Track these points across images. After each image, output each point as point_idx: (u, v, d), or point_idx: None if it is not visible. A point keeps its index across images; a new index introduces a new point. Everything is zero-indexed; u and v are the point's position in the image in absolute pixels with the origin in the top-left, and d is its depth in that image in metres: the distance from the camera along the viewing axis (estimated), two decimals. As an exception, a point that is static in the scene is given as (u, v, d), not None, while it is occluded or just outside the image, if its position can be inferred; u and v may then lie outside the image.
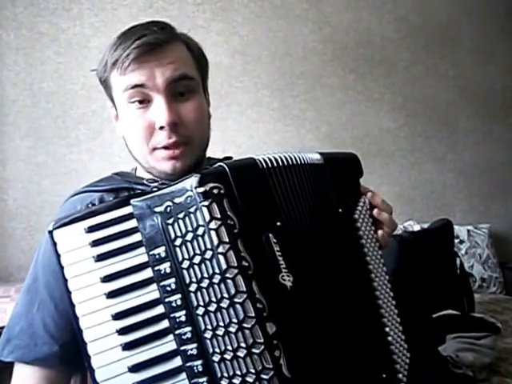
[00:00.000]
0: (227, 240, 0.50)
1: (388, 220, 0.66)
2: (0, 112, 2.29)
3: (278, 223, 0.54)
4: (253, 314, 0.49)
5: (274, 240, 0.53)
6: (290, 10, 2.61)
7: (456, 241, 2.42)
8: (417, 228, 2.48)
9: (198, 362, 0.51)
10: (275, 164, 0.57)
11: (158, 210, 0.54)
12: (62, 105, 2.34)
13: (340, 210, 0.62)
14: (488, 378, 1.31)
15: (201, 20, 2.47)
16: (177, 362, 0.52)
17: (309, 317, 0.53)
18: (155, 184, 0.66)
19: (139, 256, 0.55)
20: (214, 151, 0.82)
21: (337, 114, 2.66)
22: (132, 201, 0.56)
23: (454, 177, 2.80)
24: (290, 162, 0.58)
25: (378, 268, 0.63)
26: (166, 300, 0.53)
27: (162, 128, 0.65)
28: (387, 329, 0.61)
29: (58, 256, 0.55)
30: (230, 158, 0.76)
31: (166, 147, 0.66)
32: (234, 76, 2.51)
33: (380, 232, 0.65)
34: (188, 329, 0.52)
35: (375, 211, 0.65)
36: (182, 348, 0.52)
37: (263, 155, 0.58)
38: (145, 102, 0.67)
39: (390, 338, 0.60)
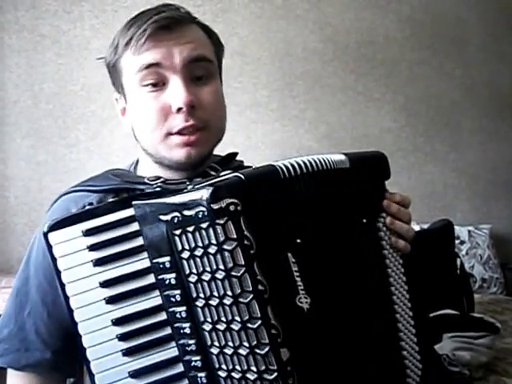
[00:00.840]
0: (242, 263, 0.46)
1: (400, 228, 0.59)
2: (2, 113, 2.32)
3: (298, 240, 0.50)
4: (266, 341, 0.47)
5: (293, 260, 0.49)
6: (291, 10, 2.61)
7: (457, 241, 2.41)
8: (417, 228, 2.48)
9: (202, 374, 0.50)
10: (299, 171, 0.52)
11: (163, 218, 0.50)
12: (62, 105, 2.36)
13: (364, 221, 0.57)
14: (485, 376, 1.30)
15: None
16: (179, 368, 0.51)
17: (325, 341, 0.51)
18: (158, 182, 0.60)
19: (141, 261, 0.52)
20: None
21: (336, 114, 2.65)
22: (134, 203, 0.52)
23: (455, 177, 2.79)
24: (315, 168, 0.53)
25: (398, 279, 0.59)
26: (170, 310, 0.51)
27: (178, 110, 0.60)
28: (403, 343, 0.58)
29: (55, 260, 0.52)
30: (236, 154, 0.73)
31: (181, 133, 0.61)
32: (233, 76, 2.51)
33: (396, 242, 0.59)
34: (192, 341, 0.50)
35: (388, 220, 0.59)
36: (186, 358, 0.51)
37: (283, 161, 0.52)
38: (159, 84, 0.61)
39: (404, 353, 0.58)
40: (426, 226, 2.28)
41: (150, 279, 0.52)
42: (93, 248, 0.52)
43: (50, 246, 0.52)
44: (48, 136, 2.35)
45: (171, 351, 0.51)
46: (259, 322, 0.46)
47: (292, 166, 0.52)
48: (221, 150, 0.82)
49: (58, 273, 0.52)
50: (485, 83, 2.79)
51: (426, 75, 2.74)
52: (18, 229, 2.35)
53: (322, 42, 2.64)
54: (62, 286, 0.52)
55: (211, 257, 0.47)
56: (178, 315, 0.51)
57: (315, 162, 0.54)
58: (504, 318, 1.85)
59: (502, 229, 2.78)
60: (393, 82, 2.72)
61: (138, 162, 0.72)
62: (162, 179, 0.61)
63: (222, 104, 0.67)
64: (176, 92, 0.60)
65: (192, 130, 0.61)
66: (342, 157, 0.57)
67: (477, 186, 2.80)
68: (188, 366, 0.50)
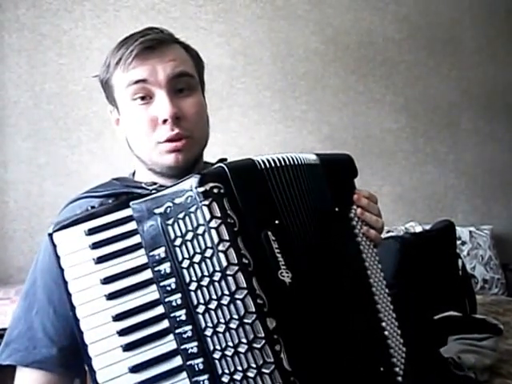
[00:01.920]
0: (227, 238, 0.51)
1: (370, 219, 0.67)
2: (2, 113, 2.30)
3: (277, 221, 0.55)
4: (253, 310, 0.50)
5: (273, 238, 0.54)
6: (292, 11, 2.61)
7: (458, 242, 2.41)
8: (418, 229, 2.48)
9: (199, 361, 0.52)
10: (273, 164, 0.58)
11: (157, 211, 0.55)
12: (63, 106, 2.34)
13: (336, 209, 0.63)
14: (490, 379, 1.30)
15: (203, 21, 2.47)
16: (177, 361, 0.53)
17: (308, 312, 0.55)
18: (154, 186, 0.67)
19: (139, 258, 0.56)
20: (215, 152, 0.82)
21: (338, 114, 2.66)
22: (131, 203, 0.57)
23: (455, 178, 2.80)
24: (288, 163, 0.59)
25: (373, 265, 0.64)
26: (166, 300, 0.54)
27: (164, 122, 0.68)
28: (383, 323, 0.62)
29: (58, 258, 0.55)
30: (225, 159, 0.77)
31: (169, 140, 0.68)
32: (236, 77, 2.51)
33: (368, 231, 0.66)
34: (188, 327, 0.53)
35: (358, 211, 0.66)
36: (183, 347, 0.53)
37: (261, 156, 0.59)
38: (147, 98, 0.69)
39: (386, 333, 0.62)
40: (427, 227, 2.28)
41: (148, 274, 0.55)
42: (94, 246, 0.55)
43: (54, 246, 0.55)
44: (49, 137, 2.32)
45: (169, 344, 0.53)
46: (245, 291, 0.50)
47: (267, 160, 0.58)
48: (224, 151, 0.82)
49: (62, 271, 0.55)
50: (480, 84, 2.81)
51: (424, 76, 2.75)
52: (18, 236, 2.28)
53: (323, 43, 2.64)
54: (65, 283, 0.54)
55: (200, 237, 0.52)
56: (173, 304, 0.54)
57: (288, 158, 0.60)
58: (506, 319, 1.85)
59: (502, 229, 2.79)
60: (392, 82, 2.72)
61: (134, 174, 0.79)
62: (158, 184, 0.68)
63: (204, 114, 0.75)
64: (162, 105, 0.68)
65: (177, 138, 0.68)
66: (314, 156, 0.64)
67: (476, 186, 2.81)
68: (185, 354, 0.53)
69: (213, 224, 0.51)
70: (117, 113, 0.74)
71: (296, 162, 0.60)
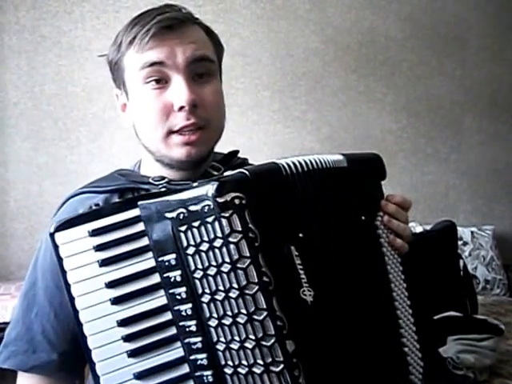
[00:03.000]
0: (248, 255, 0.47)
1: (397, 227, 0.61)
2: (2, 114, 2.32)
3: (301, 234, 0.52)
4: (272, 332, 0.47)
5: (296, 253, 0.51)
6: (292, 10, 2.60)
7: (459, 243, 2.40)
8: (420, 229, 2.47)
9: (209, 373, 0.50)
10: (299, 169, 0.54)
11: (169, 215, 0.51)
12: (63, 107, 2.35)
13: (363, 218, 0.59)
14: (489, 379, 1.30)
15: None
16: (184, 369, 0.51)
17: (328, 333, 0.52)
18: (162, 182, 0.61)
19: (146, 261, 0.53)
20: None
21: (338, 115, 2.65)
22: (140, 203, 0.53)
23: (457, 178, 2.78)
24: (315, 166, 0.55)
25: (397, 276, 0.61)
26: (175, 308, 0.51)
27: (180, 109, 0.61)
28: (404, 339, 0.59)
29: (60, 260, 0.52)
30: (237, 151, 0.74)
31: (181, 132, 0.62)
32: (235, 77, 2.51)
33: (394, 240, 0.61)
34: (198, 339, 0.50)
35: (385, 218, 0.61)
36: (192, 357, 0.51)
37: (285, 159, 0.54)
38: (162, 82, 0.62)
39: (406, 349, 0.59)
40: (428, 227, 2.27)
41: (156, 279, 0.52)
42: (99, 248, 0.52)
43: (56, 246, 0.52)
44: (49, 138, 2.34)
45: (176, 352, 0.51)
46: (265, 313, 0.47)
47: (293, 163, 0.54)
48: (223, 151, 0.81)
49: (64, 273, 0.52)
50: (484, 83, 2.79)
51: (426, 75, 2.73)
52: (18, 234, 2.33)
53: (323, 43, 2.63)
54: (68, 286, 0.52)
55: (217, 250, 0.48)
56: (183, 313, 0.51)
57: (315, 160, 0.56)
58: (507, 319, 1.84)
59: (504, 230, 2.77)
60: (394, 82, 2.71)
61: (140, 162, 0.73)
62: (166, 179, 0.62)
63: (222, 103, 0.69)
64: (179, 91, 0.61)
65: (193, 128, 0.62)
66: (340, 157, 0.59)
67: (478, 186, 2.79)
68: (194, 365, 0.50)
69: (232, 239, 0.47)
70: (125, 97, 0.67)
71: (322, 166, 0.56)
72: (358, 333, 0.55)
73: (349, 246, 0.57)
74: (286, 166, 0.53)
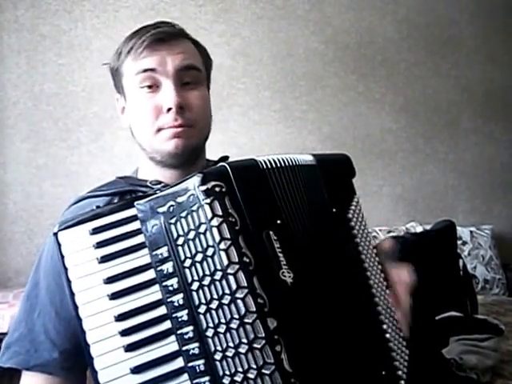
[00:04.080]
0: (228, 236, 0.51)
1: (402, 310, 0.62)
2: (1, 115, 2.30)
3: (278, 221, 0.55)
4: (254, 309, 0.50)
5: (275, 237, 0.53)
6: (292, 11, 2.61)
7: (459, 242, 2.41)
8: (419, 229, 2.47)
9: (200, 362, 0.52)
10: (274, 165, 0.58)
11: (161, 210, 0.55)
12: (63, 107, 2.34)
13: (334, 210, 0.63)
14: (492, 380, 1.30)
15: (202, 21, 2.47)
16: (179, 362, 0.52)
17: (309, 312, 0.54)
18: (158, 186, 0.67)
19: (142, 257, 0.55)
20: (215, 152, 0.82)
21: (338, 114, 2.65)
22: (136, 203, 0.57)
23: (455, 177, 2.79)
24: (288, 163, 0.60)
25: (373, 266, 0.63)
26: (168, 300, 0.54)
27: (168, 110, 0.69)
28: (385, 326, 0.61)
29: (62, 257, 0.55)
30: (227, 157, 0.78)
31: (170, 127, 0.70)
32: (236, 77, 2.51)
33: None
34: (190, 328, 0.52)
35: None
36: (184, 348, 0.52)
37: (262, 157, 0.59)
38: (154, 87, 0.71)
39: (388, 335, 0.61)
40: (428, 227, 2.28)
41: (151, 274, 0.55)
42: (98, 246, 0.55)
43: (59, 245, 0.56)
44: (48, 138, 2.32)
45: (171, 346, 0.53)
46: (246, 290, 0.50)
47: (269, 160, 0.58)
48: (224, 151, 0.83)
49: (66, 270, 0.55)
50: (479, 84, 2.81)
51: (423, 76, 2.75)
52: (17, 238, 2.27)
53: (323, 43, 2.64)
54: (69, 282, 0.54)
55: (202, 236, 0.52)
56: (175, 304, 0.53)
57: (288, 158, 0.60)
58: (508, 319, 1.84)
59: (503, 229, 2.79)
60: (392, 82, 2.72)
61: (138, 169, 0.80)
62: (162, 184, 0.68)
63: (207, 108, 0.76)
64: (167, 94, 0.70)
65: (179, 126, 0.70)
66: (310, 156, 0.64)
67: (477, 186, 2.81)
68: (186, 355, 0.52)
69: (214, 222, 0.51)
70: (123, 100, 0.76)
71: (294, 163, 0.60)
72: (337, 314, 0.57)
73: (323, 233, 0.61)
74: (263, 162, 0.58)
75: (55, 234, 0.56)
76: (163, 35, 0.71)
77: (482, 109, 2.82)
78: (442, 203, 2.77)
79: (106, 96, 2.26)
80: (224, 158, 0.79)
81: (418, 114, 2.75)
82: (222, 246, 0.50)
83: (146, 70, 0.70)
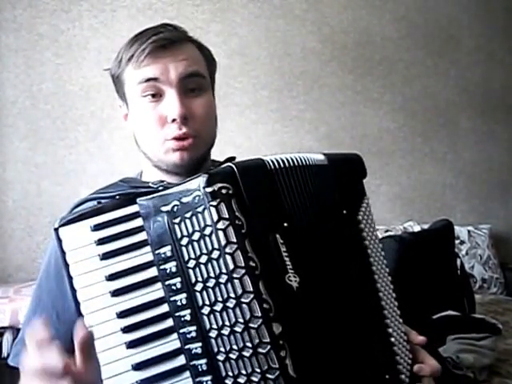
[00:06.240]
0: (235, 240, 0.50)
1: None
2: (0, 113, 2.30)
3: (285, 224, 0.54)
4: (259, 314, 0.49)
5: (281, 241, 0.53)
6: (289, 10, 2.60)
7: (456, 241, 2.41)
8: (417, 229, 2.48)
9: (203, 361, 0.51)
10: (282, 165, 0.57)
11: (164, 209, 0.54)
12: (61, 106, 2.34)
13: (344, 212, 0.62)
14: (488, 379, 1.30)
15: (199, 21, 2.46)
16: (181, 360, 0.52)
17: (314, 317, 0.54)
18: (160, 184, 0.66)
19: (144, 255, 0.55)
20: (212, 152, 0.81)
21: (336, 114, 2.65)
22: (138, 199, 0.57)
23: (453, 177, 2.80)
24: (297, 163, 0.58)
25: (381, 269, 0.63)
26: (171, 299, 0.53)
27: (173, 121, 0.68)
28: (390, 330, 0.60)
29: (64, 253, 0.55)
30: (234, 158, 0.76)
31: (175, 139, 0.69)
32: (233, 77, 2.51)
33: None
34: (193, 328, 0.52)
35: (416, 367, 0.61)
36: (186, 347, 0.52)
37: (270, 156, 0.57)
38: (157, 96, 0.69)
39: (392, 339, 0.60)
40: (426, 226, 2.28)
41: (153, 272, 0.55)
42: (100, 242, 0.55)
43: (60, 241, 0.55)
44: (47, 137, 2.32)
45: (173, 343, 0.53)
46: (251, 296, 0.49)
47: (277, 160, 0.57)
48: (221, 150, 0.82)
49: (67, 266, 0.54)
50: (478, 83, 2.81)
51: (422, 75, 2.75)
52: (16, 235, 2.29)
53: (321, 42, 2.64)
54: (70, 279, 0.54)
55: (207, 238, 0.51)
56: (178, 303, 0.53)
57: (298, 158, 0.59)
58: (505, 318, 1.85)
59: (501, 229, 2.79)
60: (390, 81, 2.72)
61: (142, 172, 0.79)
62: (165, 182, 0.67)
63: (213, 115, 0.75)
64: (171, 104, 0.68)
65: (184, 137, 0.69)
66: (322, 156, 0.63)
67: (475, 185, 2.81)
68: (189, 354, 0.52)
69: (220, 225, 0.50)
70: (126, 108, 0.75)
71: (305, 163, 0.59)
72: (343, 318, 0.57)
73: (331, 236, 0.60)
74: (271, 162, 0.56)
75: (56, 230, 0.55)
76: (165, 42, 0.69)
77: (480, 108, 2.81)
78: (439, 203, 2.77)
79: (104, 95, 2.25)
80: (231, 159, 0.77)
81: (416, 113, 2.75)
82: (228, 249, 0.50)
83: (148, 80, 0.68)
